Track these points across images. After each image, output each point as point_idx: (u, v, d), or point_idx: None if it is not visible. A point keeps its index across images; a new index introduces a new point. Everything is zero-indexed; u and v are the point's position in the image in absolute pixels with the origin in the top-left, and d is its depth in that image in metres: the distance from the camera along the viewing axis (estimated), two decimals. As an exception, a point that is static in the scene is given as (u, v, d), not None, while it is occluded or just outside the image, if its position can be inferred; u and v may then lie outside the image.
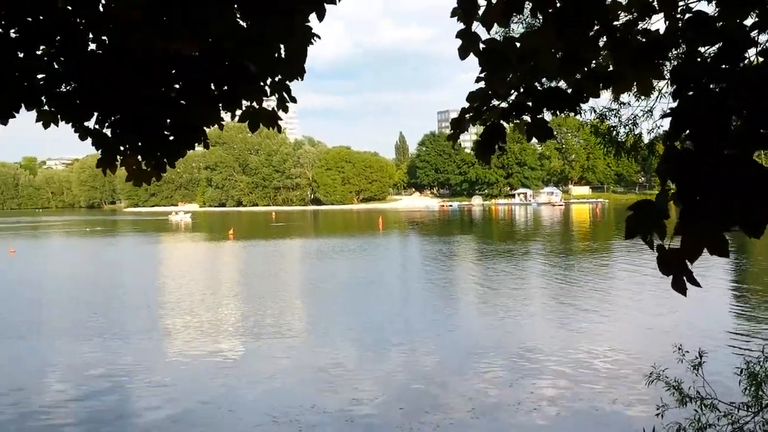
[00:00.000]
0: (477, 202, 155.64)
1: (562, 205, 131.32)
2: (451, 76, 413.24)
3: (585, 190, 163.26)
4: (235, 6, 3.01)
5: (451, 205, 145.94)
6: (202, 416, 12.50)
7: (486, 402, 13.06)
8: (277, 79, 3.42)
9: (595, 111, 11.37)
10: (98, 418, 12.61)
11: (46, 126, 4.22)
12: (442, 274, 32.85)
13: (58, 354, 17.62)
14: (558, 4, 2.79)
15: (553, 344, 17.44)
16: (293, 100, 3.54)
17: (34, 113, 4.31)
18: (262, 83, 3.45)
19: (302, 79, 3.39)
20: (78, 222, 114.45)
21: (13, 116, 4.31)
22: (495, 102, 3.09)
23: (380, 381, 14.56)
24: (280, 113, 3.66)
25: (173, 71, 3.54)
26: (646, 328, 19.48)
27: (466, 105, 3.24)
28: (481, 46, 2.94)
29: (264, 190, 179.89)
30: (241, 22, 3.08)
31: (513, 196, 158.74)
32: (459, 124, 3.28)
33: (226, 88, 3.44)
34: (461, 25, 3.06)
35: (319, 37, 3.34)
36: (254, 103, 3.58)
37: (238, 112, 3.60)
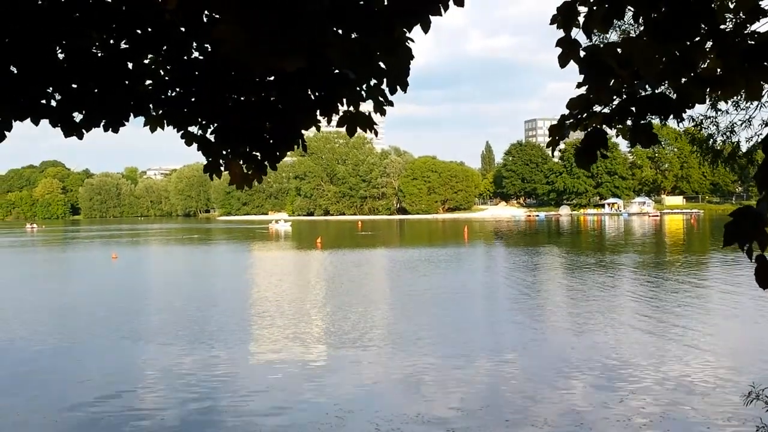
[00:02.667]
0: (565, 212, 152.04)
1: (657, 215, 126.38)
2: (539, 85, 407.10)
3: (678, 200, 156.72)
4: (338, 22, 3.09)
5: (538, 215, 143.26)
6: (308, 422, 12.64)
7: (576, 417, 12.73)
8: (372, 83, 3.48)
9: (692, 119, 10.99)
10: (195, 422, 13.00)
11: (152, 130, 4.44)
12: (529, 286, 32.30)
13: (154, 356, 18.39)
14: (662, 9, 2.73)
15: (644, 359, 16.83)
16: (390, 103, 3.58)
17: (135, 125, 4.54)
18: (358, 88, 3.52)
19: (405, 92, 3.43)
20: (177, 230, 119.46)
21: (123, 124, 4.58)
22: (597, 108, 3.05)
23: (475, 392, 14.42)
24: (377, 117, 3.73)
25: (273, 78, 3.67)
26: (743, 344, 18.50)
27: (558, 114, 3.21)
28: (582, 53, 2.91)
29: (351, 200, 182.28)
30: (343, 37, 3.15)
31: (603, 206, 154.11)
32: (558, 131, 3.25)
33: (323, 93, 3.53)
34: (552, 35, 3.03)
35: (413, 57, 3.37)
36: (351, 108, 3.65)
37: (336, 117, 3.69)
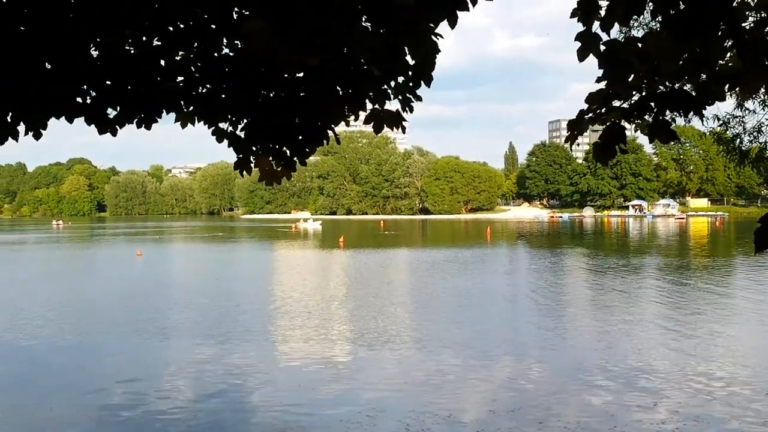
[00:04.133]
0: (588, 213, 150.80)
1: (682, 218, 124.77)
2: (564, 86, 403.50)
3: (703, 202, 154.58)
4: (365, 17, 3.15)
5: (561, 217, 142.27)
6: (339, 420, 12.69)
7: (608, 420, 12.67)
8: (400, 80, 3.55)
9: (718, 119, 10.88)
10: (224, 419, 13.10)
11: (183, 126, 4.54)
12: (553, 288, 32.14)
13: (181, 353, 18.55)
14: (681, 6, 2.76)
15: (667, 364, 16.69)
16: (419, 98, 3.65)
17: (163, 122, 4.65)
18: (385, 86, 3.60)
19: (428, 86, 3.50)
20: (201, 227, 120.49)
21: (156, 121, 4.69)
22: (616, 103, 3.09)
23: (504, 393, 14.35)
24: (404, 115, 3.80)
25: (301, 75, 3.76)
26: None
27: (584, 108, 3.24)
28: (602, 47, 2.95)
29: (373, 199, 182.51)
30: (370, 32, 3.22)
31: (627, 207, 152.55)
32: (577, 125, 3.29)
33: (351, 91, 3.61)
34: (575, 31, 3.07)
35: (439, 50, 3.43)
36: (377, 105, 3.72)
37: (362, 115, 3.77)
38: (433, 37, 3.24)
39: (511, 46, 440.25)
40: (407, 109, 3.72)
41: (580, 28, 3.04)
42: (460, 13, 3.09)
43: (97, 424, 12.64)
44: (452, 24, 3.14)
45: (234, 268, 46.20)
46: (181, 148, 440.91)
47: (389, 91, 3.62)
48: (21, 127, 4.26)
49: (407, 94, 3.62)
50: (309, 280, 36.14)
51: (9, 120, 4.15)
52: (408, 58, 3.36)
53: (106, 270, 45.95)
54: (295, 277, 37.56)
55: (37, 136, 4.29)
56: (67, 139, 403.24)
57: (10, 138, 4.26)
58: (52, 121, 4.41)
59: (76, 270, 46.36)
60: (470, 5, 3.11)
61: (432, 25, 3.15)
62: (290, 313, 24.64)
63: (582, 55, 2.99)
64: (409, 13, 3.05)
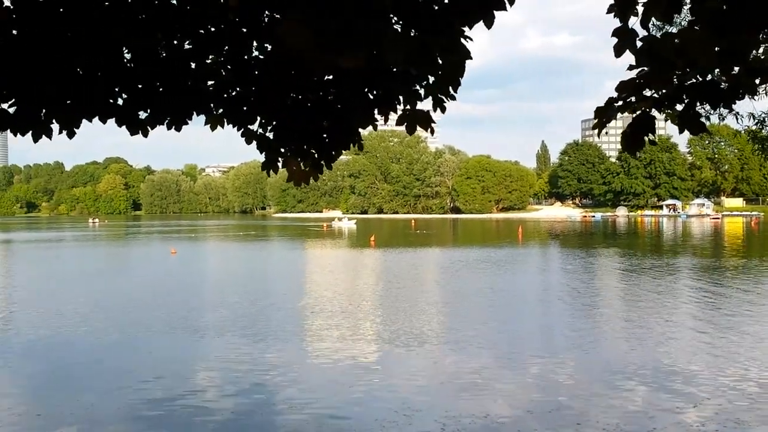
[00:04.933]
0: (622, 213, 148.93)
1: (718, 218, 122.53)
2: (597, 84, 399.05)
3: (738, 202, 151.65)
4: (396, 19, 3.11)
5: (594, 216, 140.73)
6: (374, 419, 12.67)
7: (636, 423, 12.47)
8: (431, 80, 3.50)
9: (753, 117, 10.63)
10: (249, 417, 13.18)
11: (213, 128, 4.57)
12: (584, 289, 31.77)
13: (215, 350, 18.69)
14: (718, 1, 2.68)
15: (701, 367, 16.34)
16: (452, 97, 3.58)
17: (195, 123, 4.67)
18: (417, 86, 3.55)
19: (456, 92, 3.43)
20: (234, 226, 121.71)
21: (186, 123, 4.72)
22: (647, 92, 3.01)
23: (540, 394, 14.19)
24: (436, 114, 3.75)
25: (331, 77, 3.74)
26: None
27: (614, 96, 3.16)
28: (638, 43, 2.87)
29: (404, 198, 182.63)
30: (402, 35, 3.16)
31: (661, 207, 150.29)
32: (605, 112, 3.21)
33: (381, 92, 3.58)
34: (611, 30, 3.00)
35: (471, 57, 3.36)
36: (408, 106, 3.68)
37: (393, 116, 3.73)
38: (465, 42, 3.18)
39: (543, 44, 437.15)
40: (440, 108, 3.67)
41: (613, 26, 2.97)
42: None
43: (133, 419, 12.80)
44: (489, 24, 3.07)
45: (267, 266, 46.58)
46: (215, 147, 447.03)
47: (420, 91, 3.57)
48: (55, 126, 4.33)
49: (439, 95, 3.56)
50: (341, 279, 36.24)
51: (43, 118, 4.21)
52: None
53: (142, 268, 46.67)
54: (327, 276, 37.70)
55: (71, 134, 4.35)
56: (103, 139, 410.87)
57: (44, 136, 4.32)
58: (88, 121, 4.47)
59: (112, 267, 47.19)
60: (507, 4, 3.05)
61: (465, 28, 3.09)
62: (324, 312, 24.70)
63: (619, 51, 2.92)
64: (442, 15, 2.99)
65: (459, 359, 17.33)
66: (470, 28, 3.09)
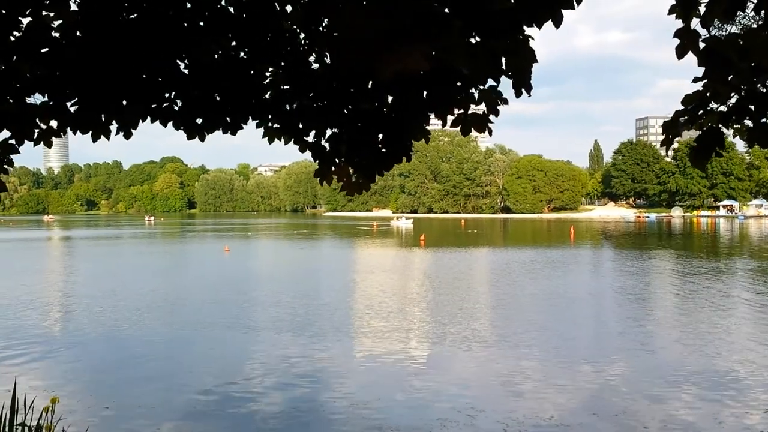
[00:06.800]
0: (677, 213, 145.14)
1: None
2: (651, 83, 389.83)
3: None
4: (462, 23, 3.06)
5: (648, 216, 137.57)
6: (436, 419, 12.63)
7: (704, 426, 12.16)
8: (488, 85, 3.47)
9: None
10: (306, 415, 13.25)
11: (270, 141, 4.60)
12: (637, 291, 31.05)
13: (265, 348, 18.94)
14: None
15: (761, 372, 15.82)
16: (505, 101, 3.54)
17: (250, 125, 4.73)
18: (473, 90, 3.52)
19: (529, 95, 3.38)
20: (285, 224, 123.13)
21: (241, 128, 4.80)
22: (713, 105, 2.92)
23: (602, 398, 13.92)
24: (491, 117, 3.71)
25: (392, 86, 3.72)
26: None
27: (671, 112, 3.07)
28: (701, 44, 2.79)
29: (454, 198, 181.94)
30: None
31: (717, 208, 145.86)
32: (672, 128, 3.13)
33: (439, 96, 3.55)
34: (666, 30, 2.92)
35: (536, 60, 3.25)
36: (463, 109, 3.66)
37: (450, 119, 3.71)
38: (531, 44, 3.11)
39: (596, 42, 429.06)
40: (492, 112, 3.64)
41: (666, 22, 2.89)
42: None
43: (187, 415, 13.07)
44: (557, 24, 3.01)
45: (317, 264, 46.97)
46: (267, 146, 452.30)
47: (475, 94, 3.54)
48: (113, 127, 4.45)
49: (494, 97, 3.53)
50: (392, 279, 36.27)
51: (103, 119, 4.33)
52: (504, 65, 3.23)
53: (196, 265, 47.62)
54: (378, 276, 37.79)
55: (128, 135, 4.47)
56: (160, 139, 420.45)
57: (102, 136, 4.44)
58: (147, 123, 4.59)
59: (167, 265, 48.27)
60: (575, 3, 2.97)
61: (528, 28, 3.03)
62: (376, 311, 24.75)
63: (681, 53, 2.84)
64: (506, 16, 2.93)
65: (516, 361, 17.14)
66: (539, 28, 3.03)
